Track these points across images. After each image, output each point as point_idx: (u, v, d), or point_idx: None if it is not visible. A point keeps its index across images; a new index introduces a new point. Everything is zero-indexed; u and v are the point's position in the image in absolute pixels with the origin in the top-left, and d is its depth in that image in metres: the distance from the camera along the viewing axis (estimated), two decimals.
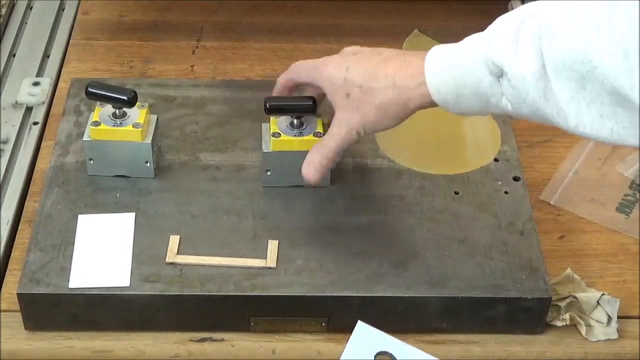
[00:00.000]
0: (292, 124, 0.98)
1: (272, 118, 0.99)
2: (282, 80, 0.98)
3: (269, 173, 1.00)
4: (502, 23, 0.80)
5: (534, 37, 0.75)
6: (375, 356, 0.84)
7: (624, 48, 0.68)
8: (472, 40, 0.83)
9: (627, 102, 0.69)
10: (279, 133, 0.98)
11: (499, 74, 0.78)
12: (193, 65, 1.24)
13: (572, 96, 0.73)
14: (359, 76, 0.89)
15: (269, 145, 0.98)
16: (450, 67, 0.83)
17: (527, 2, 1.26)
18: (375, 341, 0.85)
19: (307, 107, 0.97)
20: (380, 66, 0.89)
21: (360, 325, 0.86)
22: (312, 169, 0.93)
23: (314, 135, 0.98)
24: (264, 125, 1.00)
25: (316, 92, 0.97)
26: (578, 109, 0.73)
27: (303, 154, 0.97)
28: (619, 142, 0.73)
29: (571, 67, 0.72)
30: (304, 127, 0.98)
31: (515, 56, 0.76)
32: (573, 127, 0.74)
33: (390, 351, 0.85)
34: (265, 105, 0.97)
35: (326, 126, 0.99)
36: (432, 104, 0.86)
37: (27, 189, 1.06)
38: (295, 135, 0.98)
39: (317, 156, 0.93)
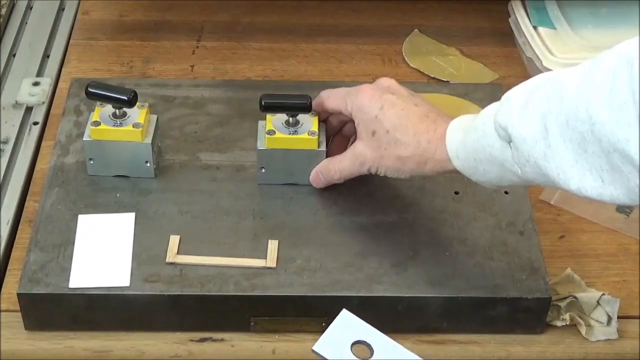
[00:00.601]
0: (287, 122, 0.98)
1: (267, 116, 0.99)
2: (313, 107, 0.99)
3: (263, 170, 1.00)
4: (516, 89, 0.81)
5: (542, 100, 0.77)
6: (352, 344, 0.85)
7: (620, 101, 0.68)
8: (488, 107, 0.84)
9: (626, 163, 0.70)
10: (273, 131, 0.98)
11: (508, 138, 0.80)
12: (193, 65, 1.24)
13: (575, 159, 0.74)
14: (389, 121, 0.92)
15: (264, 142, 0.98)
16: (467, 133, 0.85)
17: (528, 2, 1.26)
18: (356, 330, 0.85)
19: (302, 105, 0.97)
20: (412, 121, 0.91)
21: (344, 313, 0.86)
22: (317, 180, 0.99)
23: (308, 134, 0.98)
24: (260, 123, 1.00)
25: (339, 119, 1.00)
26: (581, 173, 0.74)
27: (297, 152, 0.97)
28: (622, 204, 0.74)
29: (573, 127, 0.73)
30: (300, 125, 0.98)
31: (519, 119, 0.78)
32: (575, 190, 0.75)
33: (369, 341, 0.85)
34: (260, 103, 0.97)
35: (322, 125, 1.00)
36: (452, 170, 0.88)
37: (27, 189, 1.06)
38: (290, 134, 0.98)
39: (326, 171, 0.98)
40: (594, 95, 0.71)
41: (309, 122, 0.99)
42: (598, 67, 0.71)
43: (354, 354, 0.84)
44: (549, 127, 0.75)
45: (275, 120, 0.99)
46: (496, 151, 0.81)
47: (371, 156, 0.93)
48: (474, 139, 0.84)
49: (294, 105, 0.97)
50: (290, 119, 0.98)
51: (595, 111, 0.70)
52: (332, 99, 0.98)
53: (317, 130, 0.98)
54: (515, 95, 0.80)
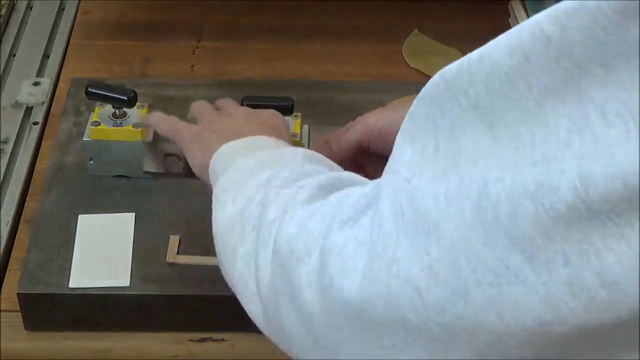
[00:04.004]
0: None
1: None
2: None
3: None
4: None
5: None
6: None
7: None
8: None
9: None
10: None
11: None
12: (193, 65, 1.24)
13: None
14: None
15: None
16: None
17: (528, 2, 1.26)
18: None
19: (284, 107, 0.97)
20: None
21: None
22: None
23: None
24: None
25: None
26: None
27: None
28: None
29: None
30: None
31: None
32: None
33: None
34: (241, 104, 0.97)
35: (304, 127, 0.99)
36: None
37: (27, 189, 1.06)
38: None
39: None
40: None
41: (291, 124, 0.98)
42: None
43: None
44: None
45: None
46: None
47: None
48: None
49: (276, 106, 0.97)
50: None
51: None
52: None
53: (299, 133, 0.98)
54: None
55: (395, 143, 0.57)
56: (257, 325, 0.70)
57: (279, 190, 0.69)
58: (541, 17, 0.49)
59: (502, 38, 0.51)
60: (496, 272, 0.49)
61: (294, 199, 0.66)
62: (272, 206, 0.68)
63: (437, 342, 0.52)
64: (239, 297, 0.72)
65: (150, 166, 0.98)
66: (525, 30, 0.49)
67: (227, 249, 0.73)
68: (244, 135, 0.82)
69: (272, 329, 0.68)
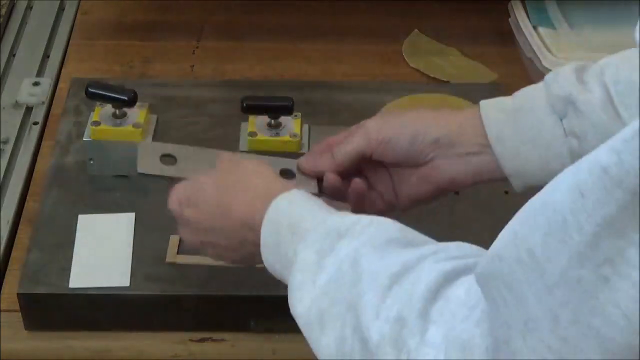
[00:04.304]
0: (269, 124, 0.98)
1: (250, 117, 0.99)
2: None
3: None
4: (560, 71, 0.82)
5: (596, 72, 0.78)
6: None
7: None
8: (529, 89, 0.84)
9: None
10: (255, 132, 0.98)
11: (563, 113, 0.80)
12: (193, 65, 1.24)
13: None
14: None
15: (245, 144, 0.98)
16: (509, 114, 0.83)
17: (528, 2, 1.26)
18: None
19: (284, 107, 0.97)
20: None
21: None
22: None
23: (290, 136, 0.98)
24: (243, 125, 1.00)
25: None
26: None
27: (279, 155, 0.97)
28: None
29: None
30: (282, 127, 0.98)
31: (581, 86, 0.79)
32: None
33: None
34: (241, 105, 0.97)
35: (305, 127, 0.99)
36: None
37: (27, 189, 1.06)
38: (272, 136, 0.98)
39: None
40: None
41: (291, 124, 0.99)
42: None
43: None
44: (610, 92, 0.76)
45: (258, 122, 0.99)
46: (547, 128, 0.81)
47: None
48: (520, 118, 0.82)
49: (276, 106, 0.97)
50: (272, 120, 0.98)
51: None
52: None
53: (299, 133, 0.98)
54: (563, 74, 0.81)
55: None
56: None
57: (371, 325, 0.63)
58: (600, 150, 0.48)
59: (562, 177, 0.50)
60: None
61: (405, 341, 0.61)
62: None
63: None
64: None
65: (144, 167, 0.93)
66: (584, 165, 0.49)
67: None
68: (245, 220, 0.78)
69: None
